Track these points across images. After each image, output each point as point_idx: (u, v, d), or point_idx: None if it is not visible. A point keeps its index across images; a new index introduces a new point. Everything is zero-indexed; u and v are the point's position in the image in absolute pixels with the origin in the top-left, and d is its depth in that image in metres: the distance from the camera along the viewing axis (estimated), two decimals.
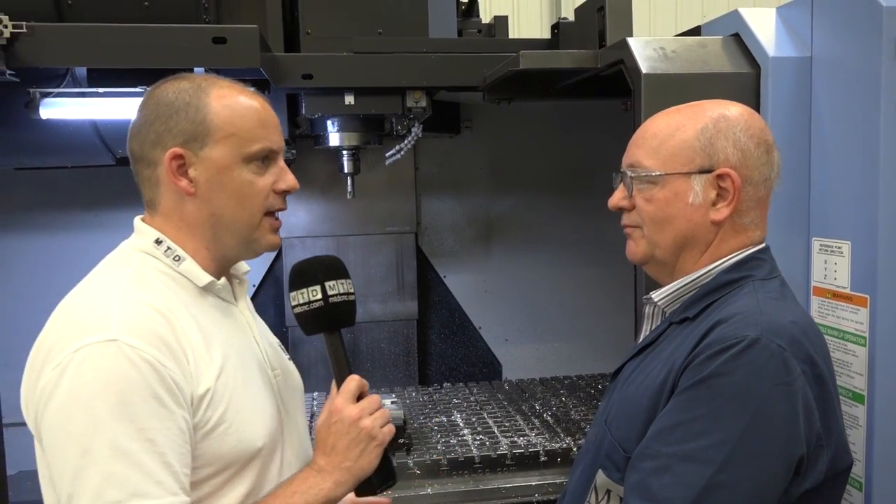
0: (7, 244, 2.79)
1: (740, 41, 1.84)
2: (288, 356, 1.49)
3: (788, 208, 1.74)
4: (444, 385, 3.04)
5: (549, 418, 2.54)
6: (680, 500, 1.15)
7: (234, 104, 1.25)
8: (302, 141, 2.73)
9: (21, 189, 2.77)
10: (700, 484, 1.14)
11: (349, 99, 2.31)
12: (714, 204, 1.32)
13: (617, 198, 1.41)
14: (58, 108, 2.10)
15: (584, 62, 2.03)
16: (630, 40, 1.82)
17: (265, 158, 1.28)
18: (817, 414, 1.21)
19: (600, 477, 1.33)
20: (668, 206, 1.33)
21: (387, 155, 2.68)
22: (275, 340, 1.47)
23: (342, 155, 2.55)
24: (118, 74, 2.05)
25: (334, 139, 2.49)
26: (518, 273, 3.19)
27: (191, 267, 1.26)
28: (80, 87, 2.10)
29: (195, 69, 1.88)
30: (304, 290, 1.33)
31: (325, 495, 1.26)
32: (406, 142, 2.54)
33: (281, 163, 1.31)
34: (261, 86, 1.88)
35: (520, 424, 2.48)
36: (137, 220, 1.30)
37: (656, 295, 1.41)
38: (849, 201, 1.65)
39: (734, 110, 1.35)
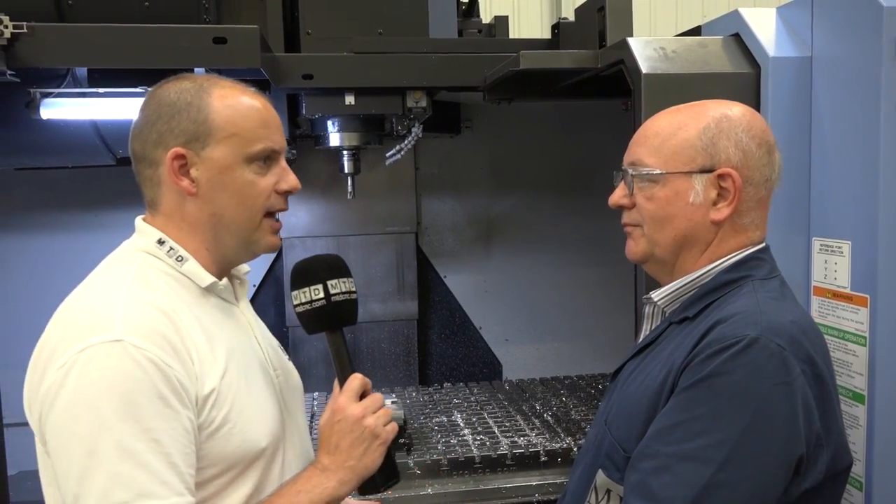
0: (7, 244, 2.78)
1: (740, 41, 1.84)
2: (287, 356, 1.49)
3: (788, 208, 1.74)
4: (444, 385, 3.03)
5: (549, 418, 2.54)
6: (680, 500, 1.15)
7: (236, 104, 1.25)
8: (302, 141, 2.72)
9: (21, 189, 2.76)
10: (700, 483, 1.14)
11: (349, 99, 2.31)
12: (714, 204, 1.32)
13: (617, 196, 1.41)
14: (58, 109, 2.10)
15: (585, 62, 2.03)
16: (630, 40, 1.82)
17: (267, 159, 1.27)
18: (817, 413, 1.21)
19: (600, 477, 1.33)
20: (669, 204, 1.33)
21: (387, 155, 2.68)
22: (274, 341, 1.47)
23: (342, 155, 2.54)
24: (119, 75, 2.05)
25: (335, 139, 2.49)
26: (518, 273, 3.19)
27: (193, 267, 1.26)
28: (81, 87, 2.11)
29: (196, 69, 1.88)
30: (307, 289, 1.33)
31: (329, 494, 1.26)
32: (406, 142, 2.54)
33: (283, 163, 1.31)
34: (261, 86, 1.87)
35: (520, 424, 2.48)
36: (139, 220, 1.30)
37: (656, 295, 1.41)
38: (849, 201, 1.65)
39: (736, 110, 1.35)
